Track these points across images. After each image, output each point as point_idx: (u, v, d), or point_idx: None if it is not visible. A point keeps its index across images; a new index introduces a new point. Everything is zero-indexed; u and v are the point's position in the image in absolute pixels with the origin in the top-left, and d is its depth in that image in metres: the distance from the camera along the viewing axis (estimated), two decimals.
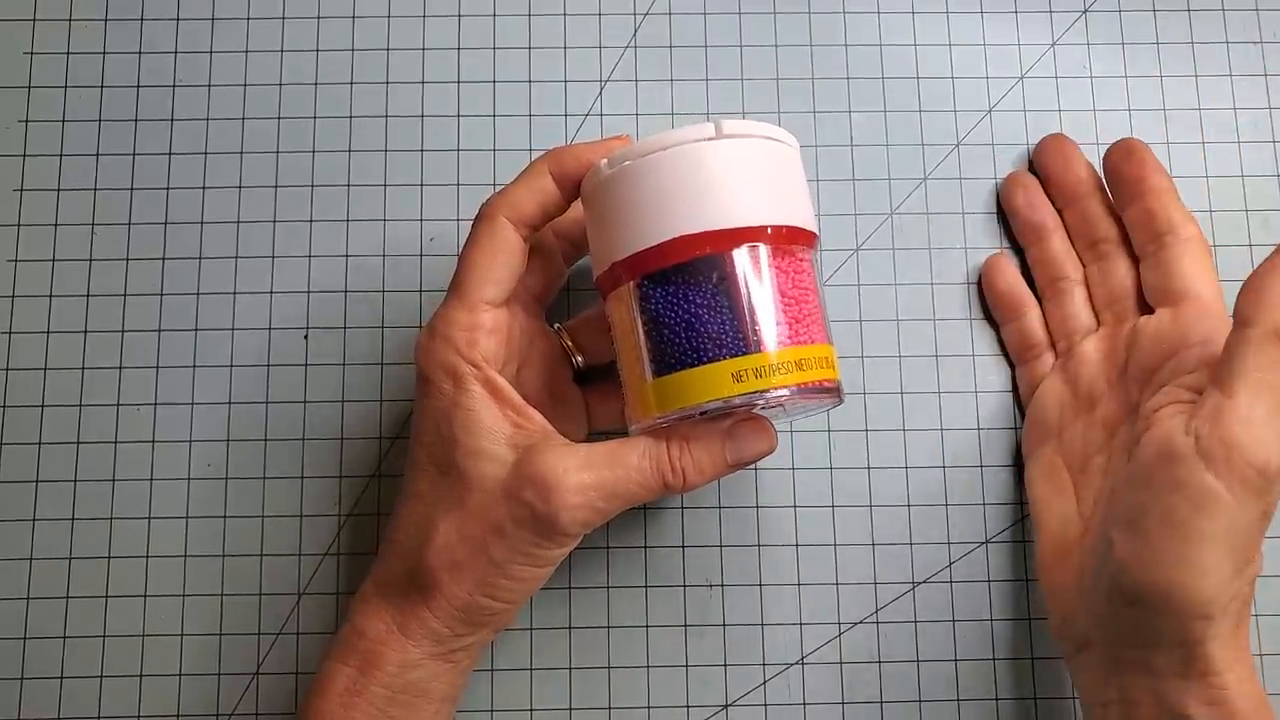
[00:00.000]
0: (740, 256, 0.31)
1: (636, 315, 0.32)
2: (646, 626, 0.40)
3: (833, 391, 0.32)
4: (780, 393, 0.31)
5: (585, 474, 0.32)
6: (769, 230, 0.31)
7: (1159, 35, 0.44)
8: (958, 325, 0.42)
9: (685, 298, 0.31)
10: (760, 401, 0.31)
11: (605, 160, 0.33)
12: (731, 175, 0.31)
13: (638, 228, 0.31)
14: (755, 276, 0.31)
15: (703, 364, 0.31)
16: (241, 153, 0.43)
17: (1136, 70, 0.44)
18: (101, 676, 0.40)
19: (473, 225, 0.35)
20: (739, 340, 0.31)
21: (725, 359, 0.31)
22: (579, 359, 0.38)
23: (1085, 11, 0.45)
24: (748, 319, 0.31)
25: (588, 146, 0.34)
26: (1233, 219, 0.43)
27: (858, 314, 0.42)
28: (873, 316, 0.42)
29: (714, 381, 0.31)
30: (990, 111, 0.44)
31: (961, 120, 0.44)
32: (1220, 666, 0.31)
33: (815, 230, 0.33)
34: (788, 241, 0.32)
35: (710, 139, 0.31)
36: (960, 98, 0.44)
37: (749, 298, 0.31)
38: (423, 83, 0.43)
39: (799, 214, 0.32)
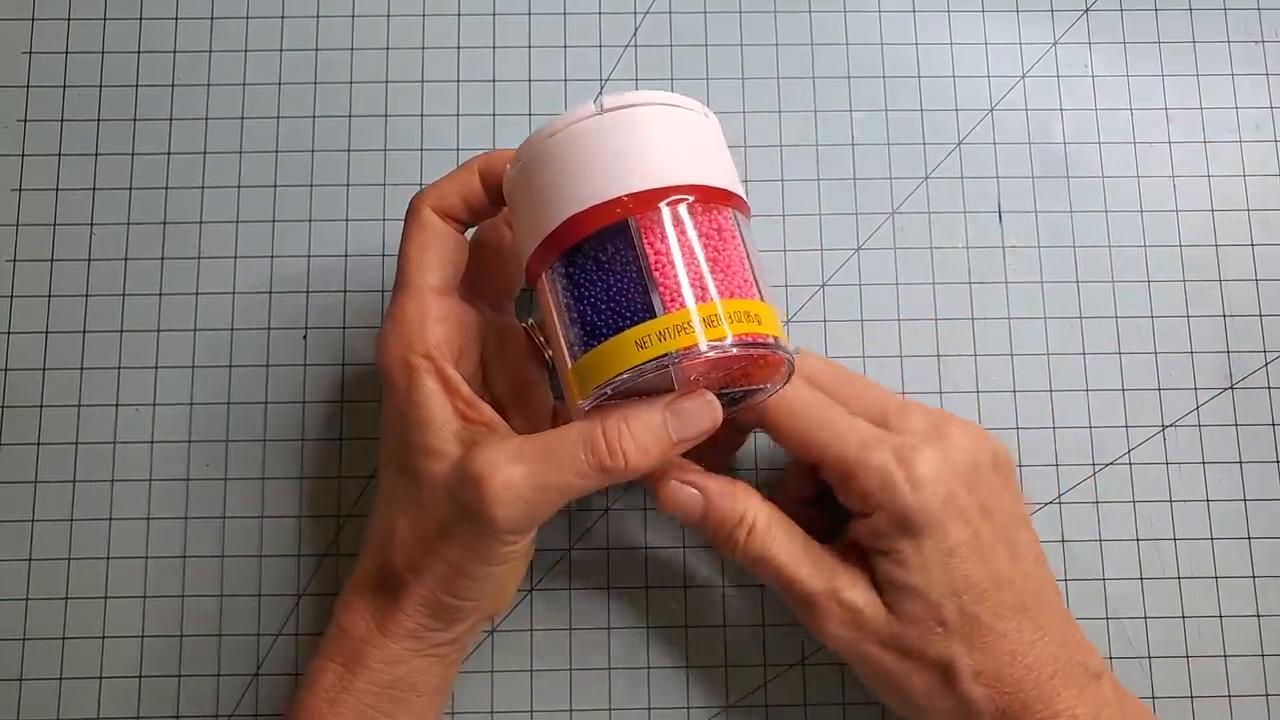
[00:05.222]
0: (634, 224, 0.30)
1: (552, 303, 0.31)
2: (647, 627, 0.40)
3: (764, 346, 0.30)
4: (693, 350, 0.29)
5: (515, 467, 0.30)
6: (667, 191, 0.30)
7: (1160, 34, 0.44)
8: (959, 325, 0.42)
9: (588, 274, 0.30)
10: (685, 359, 0.29)
11: (509, 164, 0.33)
12: (617, 147, 0.30)
13: (538, 217, 0.31)
14: (654, 240, 0.30)
15: (609, 336, 0.29)
16: (240, 152, 0.43)
17: (1138, 69, 0.44)
18: (101, 677, 0.40)
19: (403, 223, 0.35)
20: (644, 306, 0.29)
21: (628, 328, 0.29)
22: (550, 354, 0.38)
23: (1087, 10, 0.44)
24: (650, 283, 0.29)
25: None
26: (1234, 218, 0.43)
27: (859, 314, 0.42)
28: (874, 316, 0.42)
29: (621, 353, 0.29)
30: (992, 110, 0.43)
31: (963, 119, 0.43)
32: None
33: (726, 187, 0.31)
34: (704, 201, 0.31)
35: (593, 115, 0.31)
36: (962, 96, 0.44)
37: (650, 262, 0.30)
38: (423, 82, 0.43)
39: (705, 174, 0.31)
